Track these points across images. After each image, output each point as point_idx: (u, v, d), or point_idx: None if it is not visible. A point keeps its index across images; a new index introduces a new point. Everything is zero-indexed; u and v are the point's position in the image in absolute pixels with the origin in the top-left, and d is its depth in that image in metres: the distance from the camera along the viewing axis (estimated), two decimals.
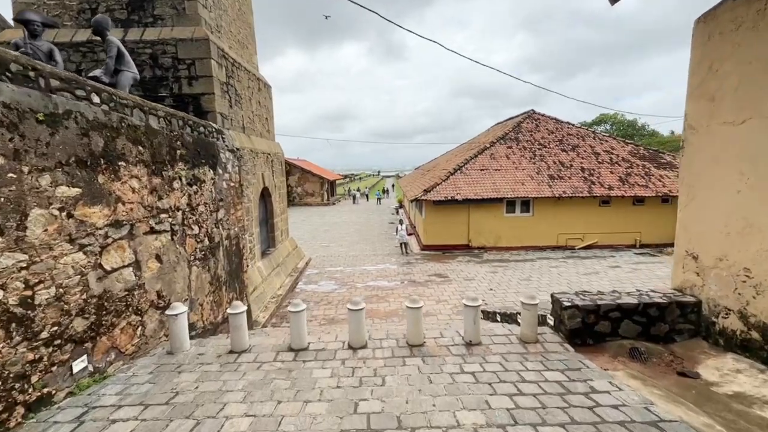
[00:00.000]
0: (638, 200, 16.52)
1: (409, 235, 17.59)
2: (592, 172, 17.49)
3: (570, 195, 15.98)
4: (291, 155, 44.26)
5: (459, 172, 17.70)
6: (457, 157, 22.91)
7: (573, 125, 21.79)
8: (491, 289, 11.11)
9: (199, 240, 5.71)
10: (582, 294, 4.72)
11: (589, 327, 4.40)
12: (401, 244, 16.63)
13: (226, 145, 7.09)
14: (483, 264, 14.11)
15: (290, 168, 39.69)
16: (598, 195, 15.97)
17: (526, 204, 16.78)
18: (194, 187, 5.61)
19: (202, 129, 6.26)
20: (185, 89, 8.58)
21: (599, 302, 4.41)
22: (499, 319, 7.09)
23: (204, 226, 5.90)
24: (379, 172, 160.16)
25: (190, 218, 5.45)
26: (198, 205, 5.73)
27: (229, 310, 4.27)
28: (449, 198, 15.94)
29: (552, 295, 4.84)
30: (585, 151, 19.15)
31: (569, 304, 4.39)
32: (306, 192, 39.98)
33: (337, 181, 52.08)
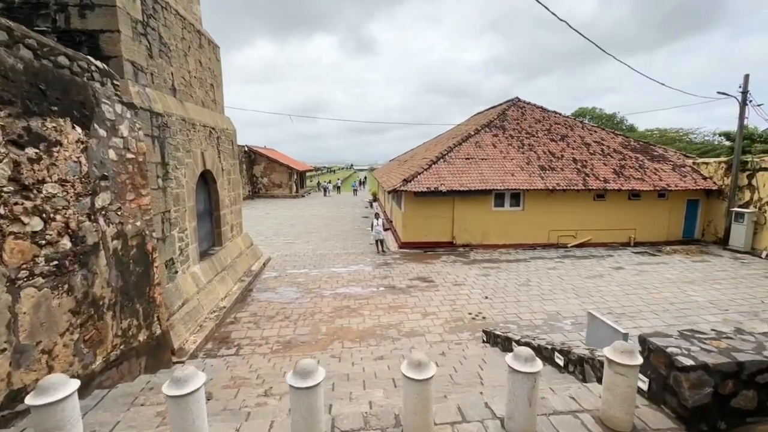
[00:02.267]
0: (634, 195, 15.26)
1: (386, 230, 15.52)
2: (584, 163, 16.08)
3: (564, 188, 14.45)
4: (261, 146, 40.91)
5: (442, 160, 15.80)
6: (438, 147, 21.04)
7: (560, 114, 20.44)
8: (487, 298, 9.25)
9: (42, 241, 3.35)
10: (698, 339, 2.81)
11: (723, 400, 2.49)
12: (377, 241, 14.54)
13: (119, 96, 4.68)
14: (471, 265, 12.28)
15: (255, 156, 36.63)
16: (593, 188, 14.53)
17: (515, 197, 15.13)
18: (31, 150, 3.23)
19: (62, 59, 3.84)
20: (76, 23, 6.02)
21: (740, 358, 2.51)
22: None
23: (59, 217, 3.54)
24: (351, 165, 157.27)
25: (17, 203, 3.09)
26: (43, 181, 3.36)
27: (28, 400, 2.01)
28: (432, 189, 14.00)
29: (643, 340, 2.89)
30: (575, 142, 17.77)
31: (691, 362, 2.46)
32: (273, 183, 36.99)
33: (308, 173, 49.19)
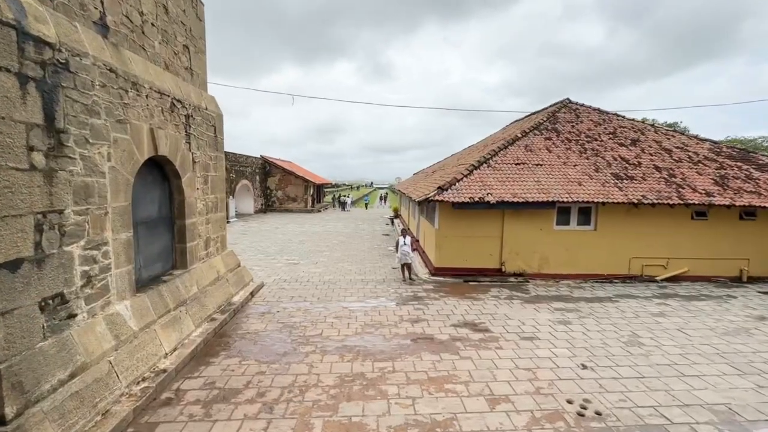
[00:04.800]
0: (747, 214, 11.48)
1: (413, 250, 12.19)
2: (671, 172, 12.48)
3: (653, 201, 10.87)
4: (277, 158, 38.85)
5: (486, 165, 12.55)
6: (475, 154, 17.83)
7: (623, 117, 16.95)
8: (585, 368, 5.76)
9: None
10: None
11: None
12: (403, 265, 11.25)
13: None
14: (537, 304, 8.79)
15: (271, 168, 34.37)
16: (694, 202, 10.87)
17: (584, 213, 11.63)
18: None
19: None
20: None
21: None
22: None
23: None
24: (372, 183, 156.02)
25: None
26: None
27: None
28: (476, 200, 10.70)
29: None
30: (650, 147, 14.21)
31: None
32: (287, 196, 34.48)
33: (326, 187, 46.71)
